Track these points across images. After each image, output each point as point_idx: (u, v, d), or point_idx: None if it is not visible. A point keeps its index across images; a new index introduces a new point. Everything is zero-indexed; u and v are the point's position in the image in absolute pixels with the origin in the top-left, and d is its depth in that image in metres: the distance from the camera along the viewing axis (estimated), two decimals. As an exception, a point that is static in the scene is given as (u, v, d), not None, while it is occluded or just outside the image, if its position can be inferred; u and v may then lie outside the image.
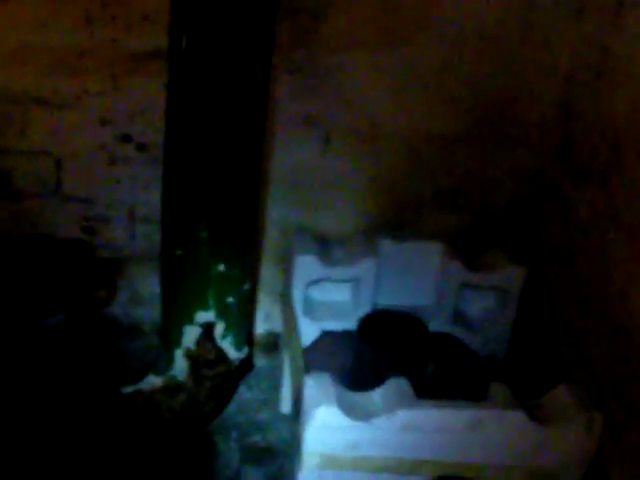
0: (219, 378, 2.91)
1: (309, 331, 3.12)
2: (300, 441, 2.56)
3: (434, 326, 3.18)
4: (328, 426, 2.51)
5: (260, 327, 3.61)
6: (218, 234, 2.67)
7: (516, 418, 2.55)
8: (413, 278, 3.24)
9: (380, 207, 3.38)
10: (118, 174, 3.26)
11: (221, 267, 2.72)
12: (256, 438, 3.24)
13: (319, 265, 3.08)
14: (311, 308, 3.17)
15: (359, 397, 2.62)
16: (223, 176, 2.58)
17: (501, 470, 2.63)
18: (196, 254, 2.68)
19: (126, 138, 3.20)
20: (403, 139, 3.27)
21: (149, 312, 3.39)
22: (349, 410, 2.53)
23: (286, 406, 3.28)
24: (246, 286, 2.83)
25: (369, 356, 2.98)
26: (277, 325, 3.45)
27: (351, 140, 3.26)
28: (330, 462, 2.57)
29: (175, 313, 2.81)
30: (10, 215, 3.29)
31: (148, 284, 3.34)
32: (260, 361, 3.56)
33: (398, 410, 2.52)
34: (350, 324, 3.14)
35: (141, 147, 3.21)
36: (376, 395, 2.62)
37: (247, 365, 3.32)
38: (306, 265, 3.07)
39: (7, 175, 3.22)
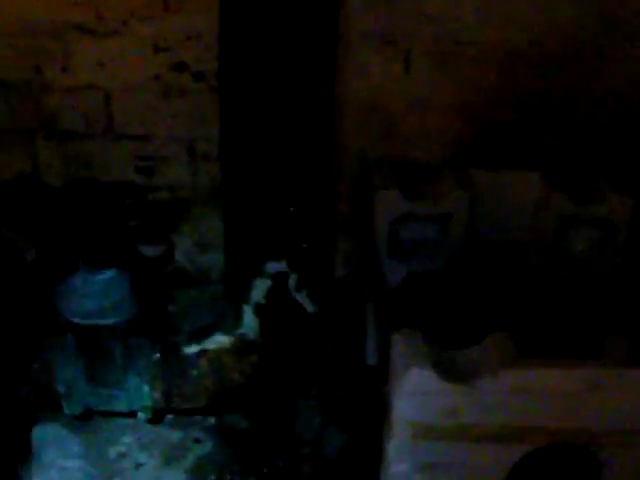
0: (295, 334, 2.59)
1: (396, 273, 2.86)
2: (389, 408, 2.32)
3: (534, 263, 2.95)
4: (421, 391, 2.27)
5: (340, 271, 3.23)
6: (288, 167, 2.34)
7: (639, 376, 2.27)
8: (510, 212, 2.98)
9: (470, 134, 3.07)
10: (174, 107, 2.96)
11: (292, 209, 2.39)
12: (339, 395, 3.01)
13: (403, 200, 2.84)
14: (396, 247, 2.92)
15: (456, 355, 2.36)
16: (289, 103, 2.25)
17: (620, 437, 2.36)
18: (261, 192, 2.35)
19: (181, 66, 2.90)
20: (493, 58, 2.97)
21: (217, 258, 3.07)
22: (445, 371, 2.29)
23: (372, 358, 3.01)
24: (322, 230, 2.50)
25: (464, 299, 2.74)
26: (359, 269, 3.15)
27: (433, 60, 2.96)
28: (424, 432, 2.33)
29: (241, 263, 2.50)
30: (59, 157, 3.05)
31: (214, 227, 3.02)
32: (342, 309, 3.21)
33: (502, 370, 2.26)
34: (440, 264, 2.91)
35: (198, 76, 2.90)
36: (476, 352, 2.35)
37: (327, 318, 3.00)
38: (389, 200, 2.83)
39: (53, 114, 2.97)
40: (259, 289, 2.50)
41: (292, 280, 2.52)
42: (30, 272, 3.08)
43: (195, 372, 2.69)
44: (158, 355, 2.71)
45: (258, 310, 2.55)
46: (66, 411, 2.75)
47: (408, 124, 3.03)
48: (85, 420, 2.88)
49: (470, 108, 3.02)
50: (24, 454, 2.83)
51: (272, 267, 2.48)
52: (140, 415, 2.75)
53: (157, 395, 2.71)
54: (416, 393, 2.26)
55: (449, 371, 2.28)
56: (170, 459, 2.84)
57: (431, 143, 3.07)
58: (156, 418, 2.82)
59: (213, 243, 3.12)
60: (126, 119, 3.00)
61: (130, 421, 2.91)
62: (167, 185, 3.10)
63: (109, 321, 2.58)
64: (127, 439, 2.89)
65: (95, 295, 2.60)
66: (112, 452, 2.86)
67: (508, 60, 2.96)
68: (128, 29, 2.84)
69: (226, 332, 2.64)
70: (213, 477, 2.80)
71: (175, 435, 2.90)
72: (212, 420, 2.94)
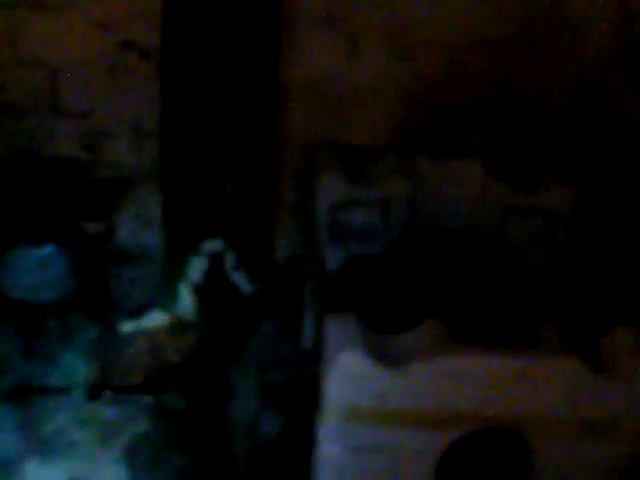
0: (232, 315, 2.58)
1: (335, 257, 2.84)
2: (322, 391, 2.29)
3: (474, 251, 2.94)
4: (353, 374, 2.25)
5: (283, 253, 3.25)
6: (227, 147, 2.32)
7: (570, 366, 2.26)
8: (452, 200, 2.95)
9: (414, 121, 3.07)
10: (120, 85, 2.95)
11: (230, 189, 2.37)
12: (276, 377, 3.00)
13: (345, 185, 2.81)
14: (337, 231, 2.89)
15: (389, 340, 2.33)
16: (230, 82, 2.23)
17: (549, 423, 2.35)
18: (201, 171, 2.33)
19: (127, 44, 2.88)
20: (439, 45, 2.97)
21: (159, 237, 3.05)
22: (378, 355, 2.26)
23: (310, 341, 3.02)
24: (261, 210, 2.49)
25: (402, 285, 2.71)
26: (300, 251, 3.18)
27: (381, 45, 2.96)
28: (356, 415, 2.30)
29: (179, 242, 2.48)
30: (3, 132, 3.01)
31: (157, 206, 3.00)
32: (281, 291, 3.22)
33: (433, 356, 2.24)
34: (379, 249, 2.89)
35: (145, 54, 2.87)
36: (409, 338, 2.32)
37: (265, 299, 3.00)
38: (331, 185, 2.80)
39: None
40: (196, 268, 2.48)
41: (229, 260, 2.49)
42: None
43: (132, 350, 2.66)
44: (95, 332, 2.68)
45: (195, 289, 2.53)
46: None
47: (354, 109, 3.02)
48: (20, 396, 2.85)
49: (417, 94, 3.02)
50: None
51: (209, 246, 2.44)
52: (75, 392, 2.72)
53: (93, 372, 2.68)
54: (347, 376, 2.24)
55: (381, 355, 2.25)
56: (106, 437, 2.80)
57: (377, 129, 3.07)
58: (92, 395, 2.78)
59: (155, 222, 3.10)
60: (71, 95, 2.97)
61: (66, 398, 2.87)
62: (111, 163, 3.08)
63: (46, 296, 2.56)
64: (62, 416, 2.85)
65: (32, 270, 2.58)
66: (47, 429, 2.82)
67: (456, 47, 2.97)
68: (75, 5, 2.81)
69: (164, 311, 2.61)
70: (148, 455, 2.76)
71: (111, 413, 2.86)
72: (149, 399, 2.91)
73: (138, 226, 3.19)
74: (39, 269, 2.58)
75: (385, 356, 2.27)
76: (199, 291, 2.52)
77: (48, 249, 2.60)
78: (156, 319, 2.63)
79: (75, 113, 2.99)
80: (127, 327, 2.65)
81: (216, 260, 2.47)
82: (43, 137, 3.01)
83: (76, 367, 2.68)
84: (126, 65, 2.90)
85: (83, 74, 2.93)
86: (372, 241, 2.91)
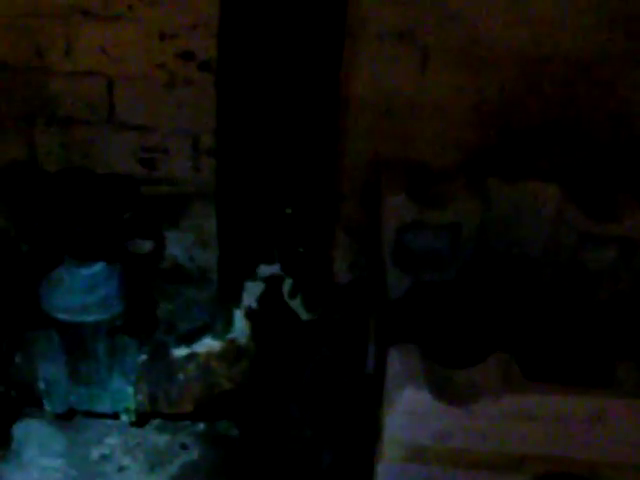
0: (288, 341, 2.45)
1: (399, 283, 2.68)
2: (381, 428, 2.18)
3: (547, 281, 2.80)
4: (415, 411, 2.14)
5: (344, 277, 3.11)
6: (286, 165, 2.19)
7: (651, 408, 2.10)
8: (524, 225, 2.82)
9: (486, 140, 2.92)
10: (179, 98, 2.83)
11: (289, 210, 2.24)
12: (335, 408, 2.88)
13: (413, 207, 2.70)
14: (403, 256, 2.76)
15: (455, 375, 2.21)
16: (291, 98, 2.10)
17: (624, 470, 2.21)
18: (259, 189, 2.20)
19: (187, 55, 2.76)
20: (517, 60, 2.81)
21: (215, 258, 2.95)
22: (442, 391, 2.15)
23: (371, 371, 2.87)
24: (321, 233, 2.35)
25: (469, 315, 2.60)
26: (364, 275, 3.03)
27: (454, 60, 2.81)
28: (416, 454, 2.20)
29: (235, 264, 2.36)
30: (58, 145, 2.92)
31: (214, 225, 2.89)
32: (344, 316, 3.07)
33: (503, 393, 2.12)
34: (448, 276, 2.77)
35: (205, 66, 2.75)
36: (476, 373, 2.20)
37: (324, 326, 2.87)
38: (398, 206, 2.69)
39: (53, 100, 2.85)
40: (251, 292, 2.35)
41: (287, 284, 2.36)
42: (22, 263, 2.96)
43: (182, 376, 2.54)
44: (145, 356, 2.57)
45: (250, 314, 2.40)
46: (47, 409, 2.62)
47: (421, 126, 2.89)
48: (68, 419, 2.76)
49: (489, 112, 2.88)
50: (3, 451, 2.72)
51: (266, 270, 2.32)
52: (123, 417, 2.61)
53: (141, 397, 2.56)
54: (409, 413, 2.12)
55: (446, 391, 2.14)
56: (155, 464, 2.73)
57: (445, 148, 2.93)
58: (139, 421, 2.68)
59: (212, 242, 3.01)
60: (129, 108, 2.87)
61: (115, 422, 2.79)
62: (168, 179, 2.97)
63: (94, 318, 2.45)
64: (111, 441, 2.79)
65: (80, 290, 2.47)
66: (95, 453, 2.76)
67: (530, 65, 2.81)
68: (133, 14, 2.71)
69: (217, 336, 2.49)
70: None
71: (162, 439, 2.79)
72: (201, 426, 2.83)
73: (194, 246, 3.07)
74: (86, 289, 2.47)
75: (450, 392, 2.15)
76: (254, 316, 2.39)
77: (97, 268, 2.49)
78: (209, 344, 2.50)
79: (132, 126, 2.90)
80: (178, 351, 2.53)
81: (273, 284, 2.34)
82: (98, 151, 2.92)
83: (124, 391, 2.56)
84: (185, 77, 2.79)
85: (141, 86, 2.83)
86: (439, 267, 2.80)
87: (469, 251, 2.77)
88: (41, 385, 2.59)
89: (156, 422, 2.81)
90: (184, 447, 2.78)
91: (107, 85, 2.82)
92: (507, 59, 2.80)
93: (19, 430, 2.78)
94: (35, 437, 2.77)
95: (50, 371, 2.56)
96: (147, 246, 2.82)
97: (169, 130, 2.89)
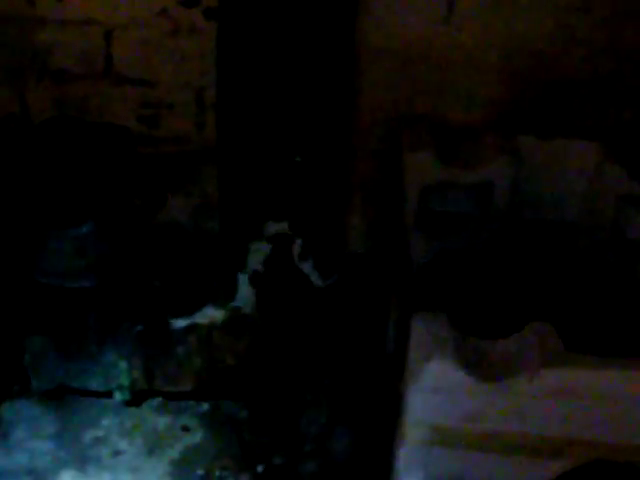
0: (299, 311, 2.24)
1: (423, 249, 2.54)
2: (403, 406, 1.99)
3: (585, 246, 2.64)
4: (442, 388, 1.96)
5: (359, 245, 2.94)
6: (295, 113, 1.97)
7: None
8: (560, 186, 2.65)
9: (517, 95, 2.76)
10: (183, 48, 2.68)
11: (299, 159, 2.02)
12: (350, 386, 2.73)
13: (439, 165, 2.54)
14: (427, 220, 2.61)
15: (487, 346, 2.00)
16: (300, 39, 1.89)
17: None
18: (265, 140, 1.99)
19: (192, 2, 2.60)
20: (548, 7, 2.63)
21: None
22: (473, 365, 1.95)
23: (391, 346, 2.72)
24: (335, 188, 2.13)
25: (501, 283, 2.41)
26: (382, 242, 2.89)
27: (481, 7, 2.63)
28: (442, 437, 2.03)
29: (237, 224, 2.14)
30: (51, 101, 2.76)
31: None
32: (359, 287, 2.93)
33: (544, 368, 1.93)
34: (477, 241, 2.62)
35: (211, 13, 2.59)
36: (511, 344, 2.00)
37: (339, 294, 2.68)
38: (422, 165, 2.53)
39: (45, 52, 2.71)
40: (257, 255, 2.14)
41: (297, 245, 2.14)
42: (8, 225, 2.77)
43: (182, 350, 2.33)
44: (140, 327, 2.36)
45: (255, 280, 2.18)
46: (34, 385, 2.41)
47: (447, 80, 2.72)
48: (58, 398, 2.57)
49: (520, 65, 2.71)
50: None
51: (273, 228, 2.10)
52: (117, 395, 2.40)
53: (136, 373, 2.36)
54: (436, 390, 1.94)
55: (477, 365, 1.95)
56: (154, 448, 2.55)
57: (474, 103, 2.76)
58: (135, 400, 2.47)
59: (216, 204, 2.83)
60: (127, 60, 2.72)
61: (110, 402, 2.61)
62: (171, 137, 2.80)
63: (83, 284, 2.24)
64: (106, 422, 2.60)
65: (68, 253, 2.26)
66: (88, 436, 2.57)
67: (568, 11, 2.63)
68: (132, -48, 2.57)
69: (220, 305, 2.28)
70: (200, 471, 2.50)
71: (161, 421, 2.61)
72: (205, 406, 2.64)
73: (199, 211, 2.91)
74: (75, 252, 2.26)
75: (481, 366, 1.96)
76: (260, 281, 2.17)
77: (87, 228, 2.27)
78: (210, 314, 2.29)
79: (131, 80, 2.74)
80: (177, 322, 2.32)
81: (281, 245, 2.11)
82: (94, 108, 2.75)
83: (117, 367, 2.36)
84: (189, 25, 2.63)
85: (141, 36, 2.67)
86: (467, 232, 2.63)
87: (500, 214, 2.61)
88: (27, 359, 2.38)
89: (155, 402, 2.62)
90: (186, 429, 2.59)
91: (104, 35, 2.68)
92: (540, 7, 2.63)
93: (6, 410, 2.60)
94: (24, 418, 2.59)
95: (36, 343, 2.36)
96: (145, 207, 2.62)
97: (172, 84, 2.74)
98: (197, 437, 2.57)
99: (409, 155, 2.51)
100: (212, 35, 2.59)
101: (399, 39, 2.63)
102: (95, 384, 2.40)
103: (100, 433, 2.56)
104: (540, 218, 2.64)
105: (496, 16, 2.63)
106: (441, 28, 2.63)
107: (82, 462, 2.50)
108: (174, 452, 2.53)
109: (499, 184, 2.55)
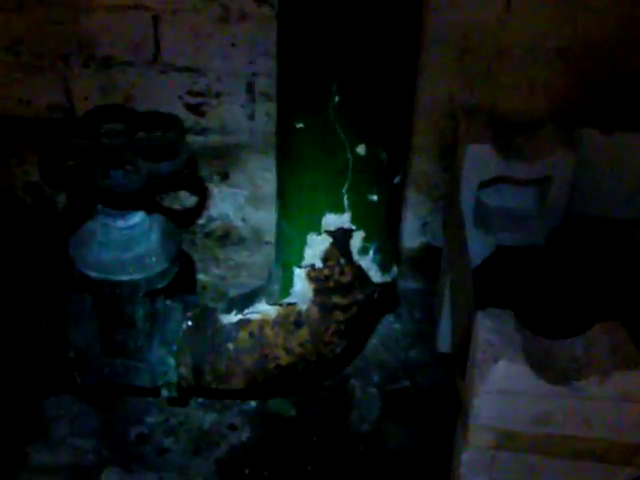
0: (356, 308, 2.13)
1: (481, 246, 2.46)
2: (467, 409, 1.87)
3: None
4: (509, 390, 1.81)
5: (413, 240, 2.87)
6: (356, 102, 1.87)
7: None
8: (624, 181, 2.53)
9: (578, 88, 2.62)
10: (233, 35, 2.58)
11: (360, 149, 1.91)
12: (403, 384, 2.64)
13: (498, 158, 2.40)
14: (484, 216, 2.51)
15: (555, 347, 1.89)
16: (362, 31, 1.78)
17: None
18: (325, 129, 1.88)
19: None
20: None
21: (271, 216, 2.66)
22: (541, 367, 1.81)
23: (444, 344, 2.63)
24: (397, 179, 2.02)
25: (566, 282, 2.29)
26: (437, 238, 2.84)
27: None
28: (508, 441, 1.89)
29: (294, 216, 2.04)
30: (97, 88, 2.68)
31: (272, 179, 2.60)
32: (413, 284, 2.90)
33: (615, 370, 1.78)
34: (535, 238, 2.48)
35: None
36: (580, 344, 1.88)
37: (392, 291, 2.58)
38: (481, 158, 2.39)
39: (91, 38, 2.61)
40: (315, 248, 2.02)
41: (357, 240, 2.03)
42: (56, 219, 2.68)
43: (232, 346, 2.22)
44: (189, 323, 2.26)
45: (312, 275, 2.08)
46: (78, 382, 2.32)
47: (506, 70, 2.60)
48: (102, 395, 2.49)
49: (582, 56, 2.58)
50: (32, 428, 2.47)
51: (333, 221, 1.99)
52: (163, 393, 2.30)
53: (185, 371, 2.25)
54: (503, 392, 1.81)
55: (546, 366, 1.82)
56: (199, 446, 2.46)
57: (533, 94, 2.64)
58: (182, 398, 2.38)
59: (268, 198, 2.72)
60: (176, 47, 2.61)
61: (155, 399, 2.53)
62: (219, 127, 2.72)
63: (131, 277, 2.13)
64: (151, 419, 2.52)
65: (115, 245, 2.15)
66: (132, 433, 2.49)
67: (633, 2, 2.48)
68: (182, -63, 2.46)
69: (273, 300, 2.18)
70: (247, 471, 2.40)
71: (207, 419, 2.53)
72: (252, 405, 2.56)
73: (247, 204, 2.85)
74: (122, 243, 2.15)
75: (549, 368, 1.83)
76: (317, 277, 2.06)
77: (134, 220, 2.16)
78: (263, 309, 2.18)
79: (179, 68, 2.65)
80: (227, 318, 2.21)
81: (340, 239, 2.01)
82: (140, 97, 2.68)
83: (165, 364, 2.26)
84: (240, 11, 2.53)
85: (189, 22, 2.57)
86: (526, 228, 2.51)
87: (560, 211, 2.47)
88: (71, 355, 2.28)
89: (201, 399, 2.54)
90: (233, 428, 2.51)
91: (152, 20, 2.57)
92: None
93: (49, 406, 2.53)
94: (67, 414, 2.52)
95: (82, 339, 2.25)
96: (191, 201, 2.53)
97: (221, 72, 2.65)
98: (244, 436, 2.49)
99: (467, 148, 2.38)
100: (263, 22, 2.51)
101: (457, 28, 2.52)
102: (141, 381, 2.30)
103: (145, 430, 2.49)
104: (600, 217, 2.52)
105: (557, 6, 2.50)
106: (501, 17, 2.51)
107: (126, 460, 2.41)
108: (220, 451, 2.45)
109: (559, 178, 2.41)
